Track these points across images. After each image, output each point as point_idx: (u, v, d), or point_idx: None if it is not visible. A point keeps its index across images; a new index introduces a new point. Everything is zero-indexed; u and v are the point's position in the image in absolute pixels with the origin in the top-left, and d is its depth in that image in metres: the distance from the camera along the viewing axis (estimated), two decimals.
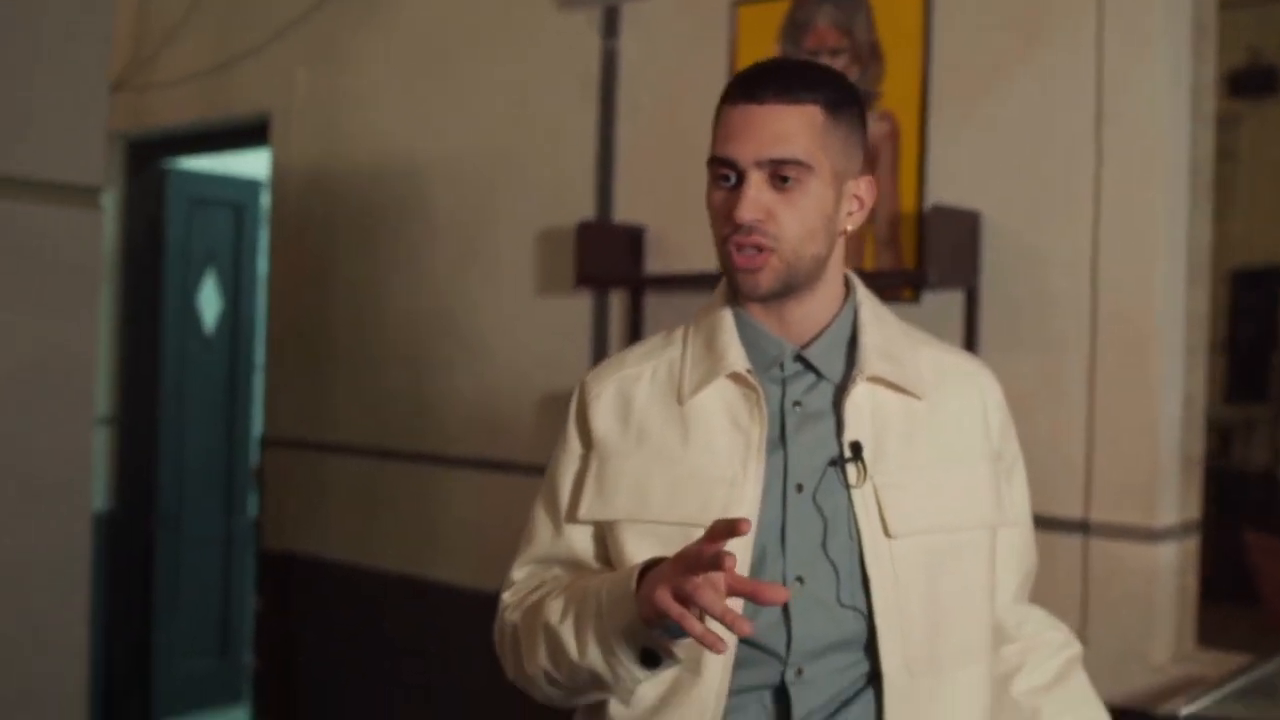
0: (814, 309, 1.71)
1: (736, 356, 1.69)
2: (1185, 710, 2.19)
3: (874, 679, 1.66)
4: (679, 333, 1.80)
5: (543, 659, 1.68)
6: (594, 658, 1.58)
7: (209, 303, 5.61)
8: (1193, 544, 2.97)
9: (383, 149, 4.29)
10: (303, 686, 4.52)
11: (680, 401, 1.72)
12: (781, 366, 1.71)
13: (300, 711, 4.53)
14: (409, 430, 4.20)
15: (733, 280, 1.67)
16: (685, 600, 1.41)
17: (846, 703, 1.66)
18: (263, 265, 5.36)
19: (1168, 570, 2.87)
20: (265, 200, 5.44)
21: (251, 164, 5.47)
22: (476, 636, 3.91)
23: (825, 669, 1.65)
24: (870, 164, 3.16)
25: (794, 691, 1.64)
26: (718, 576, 1.42)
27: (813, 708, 1.65)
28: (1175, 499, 2.90)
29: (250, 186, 5.74)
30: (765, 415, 1.67)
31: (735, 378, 1.69)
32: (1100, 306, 2.87)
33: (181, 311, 5.51)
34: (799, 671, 1.64)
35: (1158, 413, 2.84)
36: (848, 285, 1.77)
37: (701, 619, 1.42)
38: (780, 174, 1.61)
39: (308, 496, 4.51)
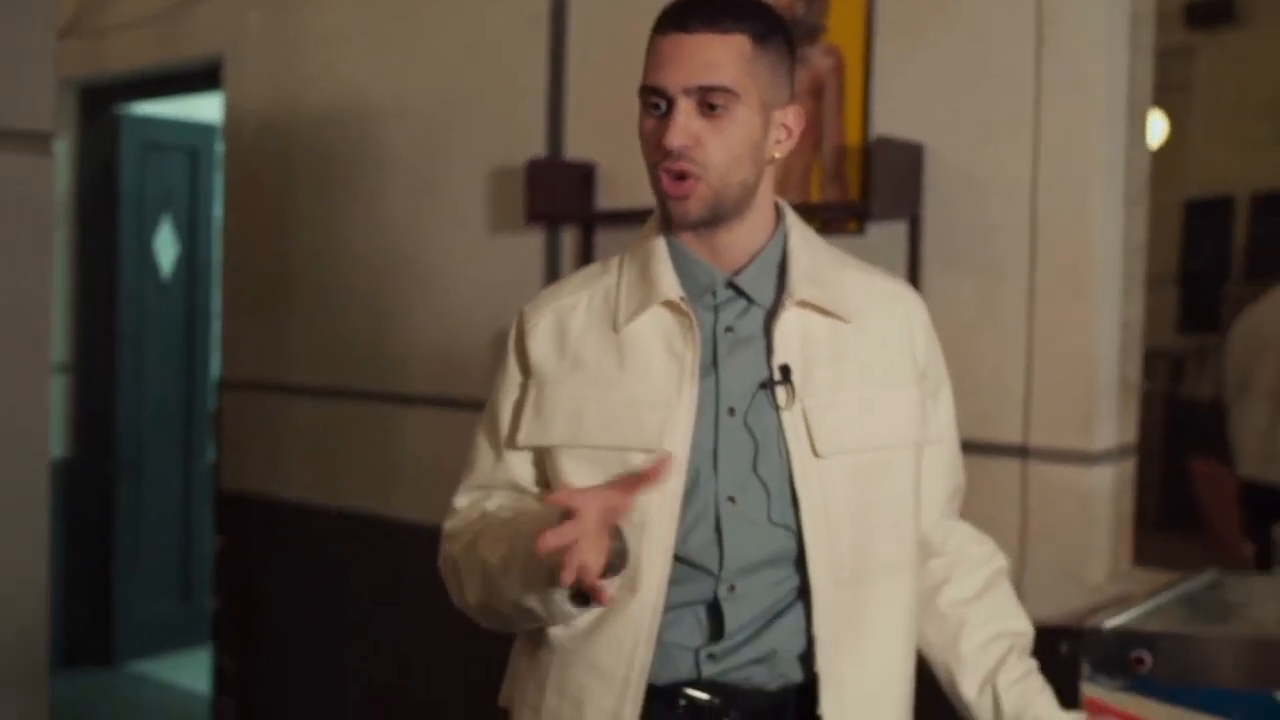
0: (744, 236, 1.76)
1: (670, 284, 1.74)
2: (1108, 624, 2.25)
3: (803, 592, 1.72)
4: (614, 261, 1.85)
5: (482, 594, 1.74)
6: (530, 598, 1.64)
7: (165, 248, 5.62)
8: (1129, 467, 3.04)
9: (336, 91, 4.30)
10: (264, 626, 4.57)
11: (616, 329, 1.77)
12: (714, 293, 1.76)
13: (262, 651, 4.58)
14: (366, 370, 4.23)
15: (663, 207, 1.72)
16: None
17: (777, 615, 1.73)
18: (219, 210, 5.37)
19: (1104, 493, 2.94)
20: (220, 145, 5.45)
21: (206, 108, 5.46)
22: (436, 571, 3.98)
23: (757, 584, 1.71)
24: (814, 95, 3.20)
25: (726, 606, 1.71)
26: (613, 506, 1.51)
27: (744, 621, 1.72)
28: (1112, 423, 2.96)
29: (205, 131, 5.75)
30: (698, 341, 1.72)
31: (669, 305, 1.74)
32: (1039, 235, 2.93)
33: (138, 257, 5.53)
34: (731, 587, 1.71)
35: (1095, 339, 2.90)
36: (778, 212, 1.82)
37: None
38: (708, 101, 1.65)
39: (266, 438, 4.54)
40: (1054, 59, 2.91)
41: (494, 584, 1.70)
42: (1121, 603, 2.46)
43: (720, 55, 1.65)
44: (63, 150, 5.22)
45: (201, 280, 5.79)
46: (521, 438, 1.80)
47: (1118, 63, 2.94)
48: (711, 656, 1.72)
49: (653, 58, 1.69)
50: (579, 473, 1.73)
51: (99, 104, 5.37)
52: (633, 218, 3.47)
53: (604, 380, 1.75)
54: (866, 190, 3.09)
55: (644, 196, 3.45)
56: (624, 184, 3.60)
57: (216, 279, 5.53)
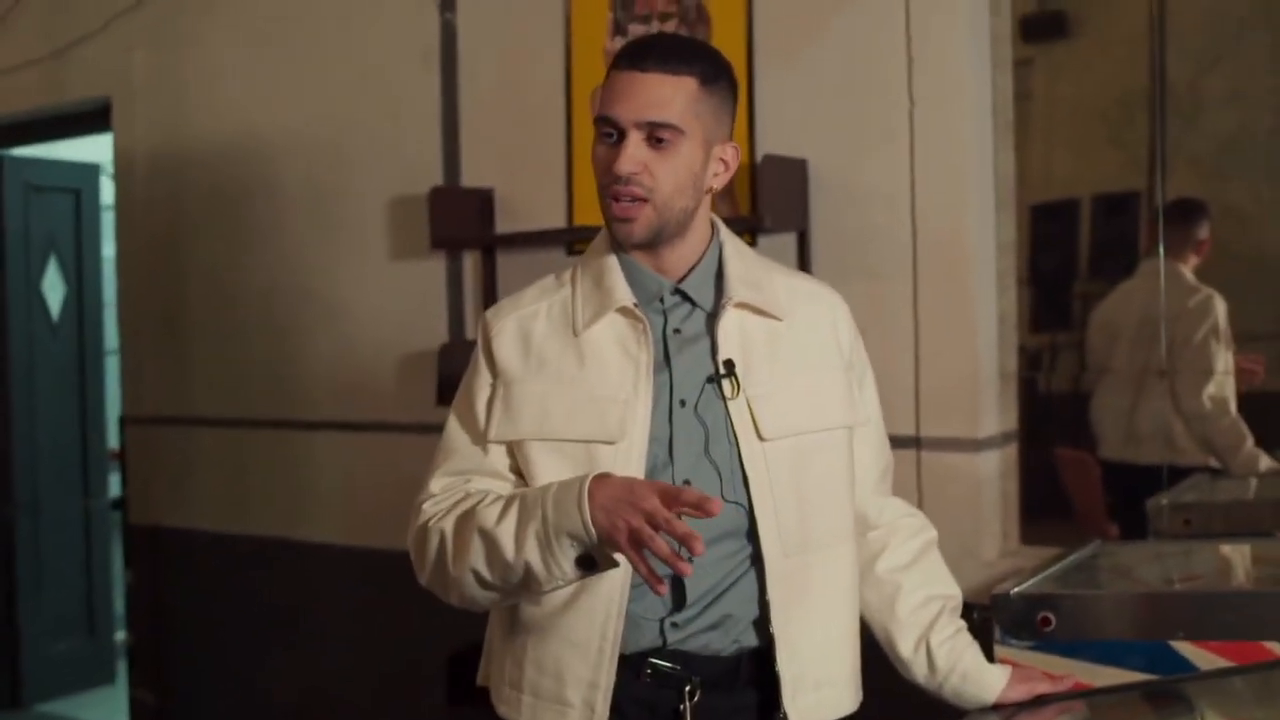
0: (685, 252, 1.97)
1: (624, 293, 1.93)
2: (1014, 590, 2.47)
3: (756, 561, 1.92)
4: (567, 275, 2.04)
5: (475, 560, 1.85)
6: (531, 555, 1.77)
7: (53, 289, 5.62)
8: (1012, 451, 3.27)
9: (228, 127, 4.38)
10: (178, 658, 4.62)
11: (575, 333, 1.95)
12: (662, 299, 1.96)
13: (179, 682, 4.62)
14: (272, 398, 4.32)
15: (610, 227, 1.92)
16: (639, 545, 1.66)
17: (732, 584, 1.92)
18: (108, 248, 5.38)
19: (991, 476, 3.17)
20: (105, 184, 5.46)
21: (87, 148, 5.47)
22: (350, 592, 4.10)
23: (713, 556, 1.89)
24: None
25: (687, 579, 1.88)
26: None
27: (703, 590, 1.91)
28: (994, 411, 3.19)
29: (88, 170, 5.75)
30: (651, 342, 1.92)
31: (623, 311, 1.93)
32: (920, 238, 3.14)
33: (25, 299, 5.52)
34: (690, 560, 1.88)
35: (976, 333, 3.12)
36: (713, 227, 2.02)
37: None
38: (656, 135, 1.85)
39: (173, 471, 4.59)
40: (924, 75, 3.13)
41: (493, 545, 1.82)
42: (1017, 575, 2.67)
43: (670, 95, 1.85)
44: None
45: (91, 320, 5.80)
46: (492, 433, 1.96)
47: (981, 77, 3.18)
48: (675, 625, 1.91)
49: (609, 91, 1.88)
50: (549, 462, 1.91)
51: None
52: (532, 240, 3.62)
53: (567, 378, 1.94)
54: (756, 205, 3.28)
55: (541, 219, 3.64)
56: (521, 208, 3.75)
57: (109, 317, 5.54)
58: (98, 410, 5.84)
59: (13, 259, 5.42)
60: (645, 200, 1.86)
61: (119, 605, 5.63)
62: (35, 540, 5.58)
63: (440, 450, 2.04)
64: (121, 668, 5.39)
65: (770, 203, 3.19)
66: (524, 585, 1.83)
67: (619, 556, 1.74)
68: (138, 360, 4.71)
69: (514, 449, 1.97)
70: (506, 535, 1.81)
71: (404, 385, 3.96)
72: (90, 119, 4.82)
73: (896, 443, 3.11)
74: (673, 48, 1.89)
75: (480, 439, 1.99)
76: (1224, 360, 3.59)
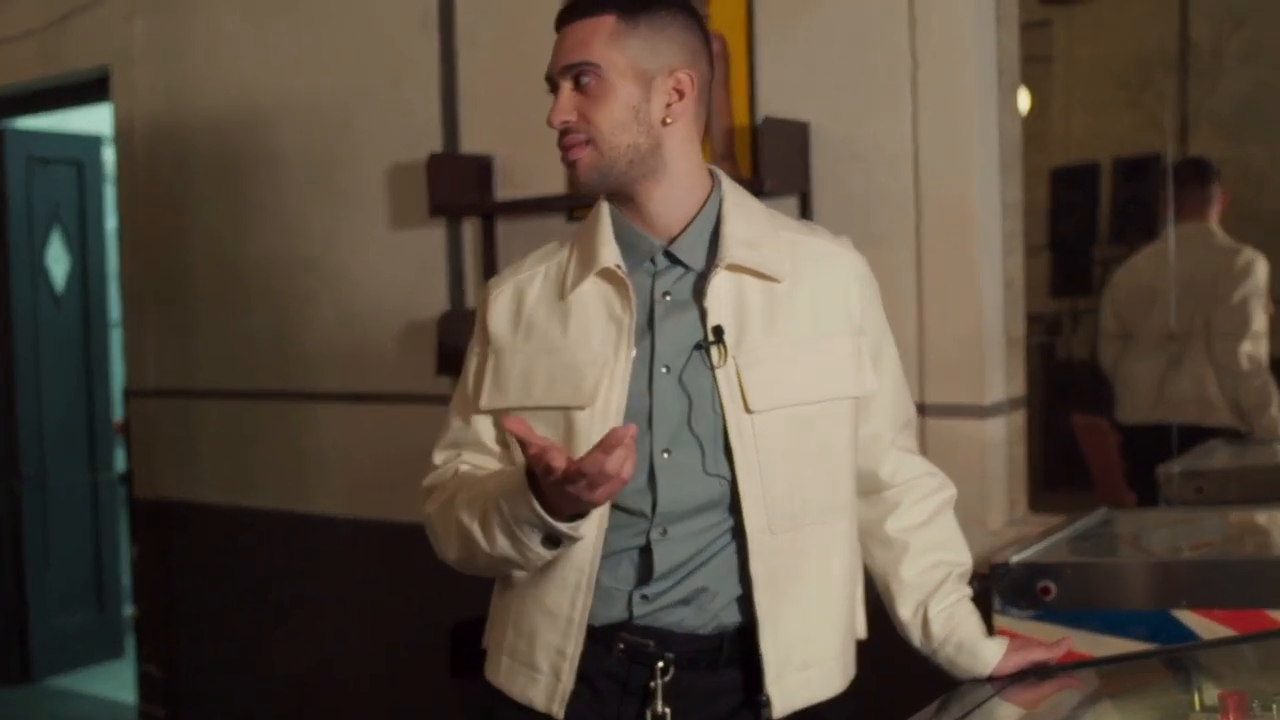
0: (673, 204, 1.89)
1: (609, 254, 1.87)
2: (1015, 558, 2.41)
3: (738, 535, 1.86)
4: (570, 237, 1.99)
5: (461, 551, 1.90)
6: (504, 548, 1.78)
7: (57, 261, 5.60)
8: (1019, 417, 3.21)
9: (227, 95, 4.34)
10: (186, 630, 4.61)
11: (562, 297, 1.91)
12: (652, 260, 1.90)
13: (186, 655, 4.61)
14: (275, 369, 4.29)
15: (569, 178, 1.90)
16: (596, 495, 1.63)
17: (709, 558, 1.87)
18: (110, 220, 5.36)
19: (998, 442, 3.11)
20: (108, 155, 5.43)
21: (90, 119, 5.45)
22: (354, 563, 4.07)
23: (689, 529, 1.85)
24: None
25: (656, 549, 1.85)
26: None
27: (675, 563, 1.86)
28: (1001, 377, 3.13)
29: (91, 142, 5.73)
30: (634, 305, 1.85)
31: (606, 273, 1.87)
32: (923, 200, 3.08)
33: (29, 272, 5.51)
34: (664, 530, 1.85)
35: (981, 297, 3.06)
36: (714, 181, 1.94)
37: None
38: (577, 77, 1.83)
39: (178, 444, 4.57)
40: (927, 34, 3.06)
41: (471, 542, 1.83)
42: (1022, 543, 2.62)
43: (585, 36, 1.83)
44: None
45: (96, 291, 5.78)
46: (482, 402, 1.95)
47: (986, 35, 3.10)
48: (644, 598, 1.86)
49: (552, 54, 1.88)
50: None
51: None
52: (531, 207, 3.57)
53: (550, 345, 1.90)
54: (757, 168, 3.22)
55: (540, 185, 3.58)
56: (521, 174, 3.70)
57: (112, 289, 5.52)
58: (103, 383, 5.83)
59: (15, 231, 5.41)
60: (585, 142, 1.83)
61: (126, 579, 5.62)
62: (43, 514, 5.58)
63: (443, 421, 2.06)
64: (130, 641, 5.39)
65: (771, 165, 3.13)
66: (507, 565, 1.85)
67: (585, 526, 1.74)
68: (140, 332, 4.68)
69: (500, 418, 1.93)
70: (478, 530, 1.82)
71: (405, 354, 3.93)
72: (90, 89, 4.79)
73: None
74: None
75: (467, 409, 1.99)
76: (1261, 320, 3.56)
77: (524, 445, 1.64)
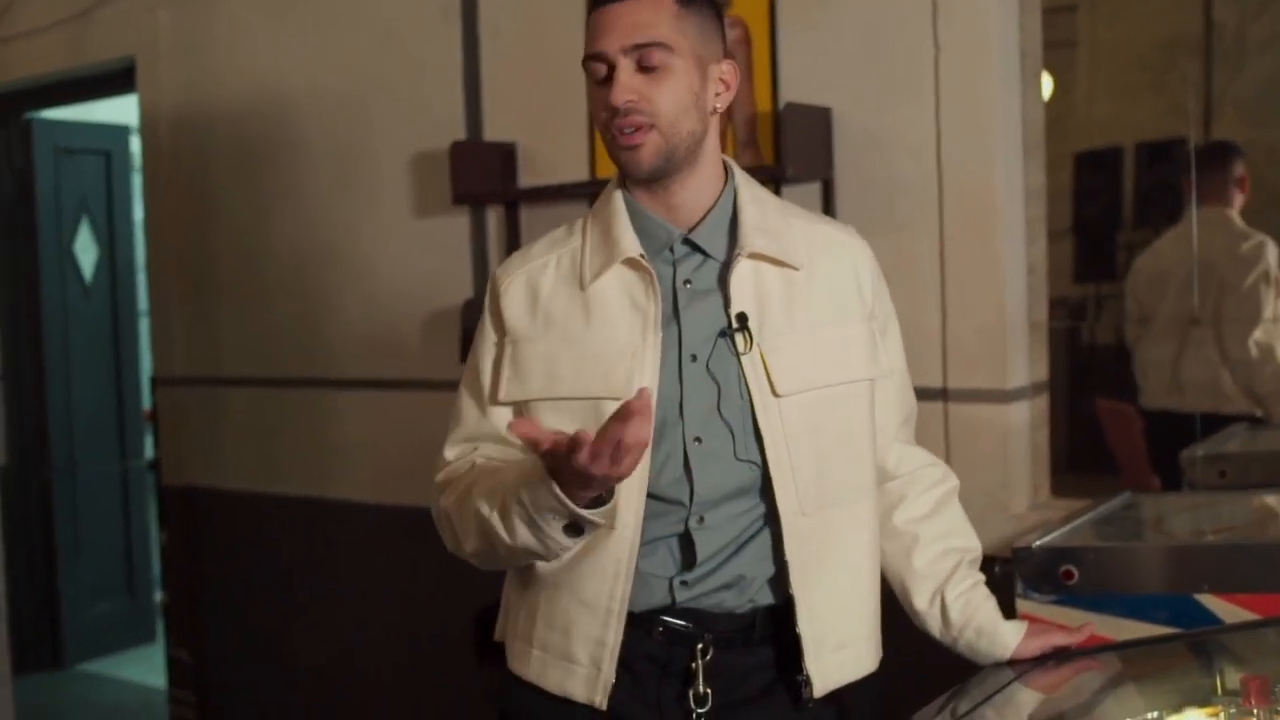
0: (697, 192, 1.90)
1: (630, 243, 1.87)
2: (1038, 543, 2.42)
3: (771, 519, 1.87)
4: (578, 225, 1.98)
5: (480, 543, 1.86)
6: (525, 538, 1.76)
7: (85, 251, 5.64)
8: (1042, 402, 3.21)
9: (252, 85, 4.36)
10: (215, 616, 4.64)
11: (582, 287, 1.90)
12: (671, 249, 1.90)
13: (215, 640, 4.65)
14: (299, 357, 4.31)
15: (619, 162, 1.86)
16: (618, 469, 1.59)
17: (745, 543, 1.88)
18: (138, 210, 5.39)
19: (1021, 427, 3.11)
20: (136, 145, 5.46)
21: (117, 110, 5.48)
22: (379, 549, 4.09)
23: (725, 515, 1.86)
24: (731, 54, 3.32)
25: (697, 536, 1.86)
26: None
27: (714, 549, 1.87)
28: (1024, 362, 3.13)
29: (119, 132, 5.76)
30: (659, 294, 1.86)
31: (630, 262, 1.87)
32: (946, 187, 3.07)
33: (58, 262, 5.55)
34: (701, 519, 1.86)
35: (1004, 282, 3.06)
36: (727, 171, 1.95)
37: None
38: (646, 59, 1.79)
39: (205, 431, 4.61)
40: (949, 20, 3.06)
41: (491, 533, 1.81)
42: (1045, 528, 2.62)
43: (650, 15, 1.80)
44: None
45: (124, 281, 5.82)
46: (502, 394, 1.93)
47: (1009, 20, 3.10)
48: (684, 584, 1.87)
49: (591, 31, 1.84)
50: (557, 422, 1.85)
51: (8, 111, 5.37)
52: (554, 194, 3.58)
53: (573, 335, 1.89)
54: (779, 155, 3.23)
55: (564, 172, 3.60)
56: (544, 161, 3.71)
57: (141, 279, 5.55)
58: (132, 371, 5.87)
59: (44, 221, 5.45)
60: (650, 125, 1.80)
61: (157, 565, 5.67)
62: (74, 502, 5.62)
63: (452, 415, 2.02)
64: (160, 627, 5.43)
65: (793, 152, 3.13)
66: (529, 557, 1.83)
67: (609, 513, 1.72)
68: (167, 321, 4.71)
69: (523, 410, 1.92)
70: (498, 521, 1.78)
71: (429, 342, 3.94)
72: (115, 80, 4.82)
73: (923, 395, 3.07)
74: None
75: (484, 403, 1.96)
76: (1273, 306, 3.53)
77: (534, 445, 1.63)
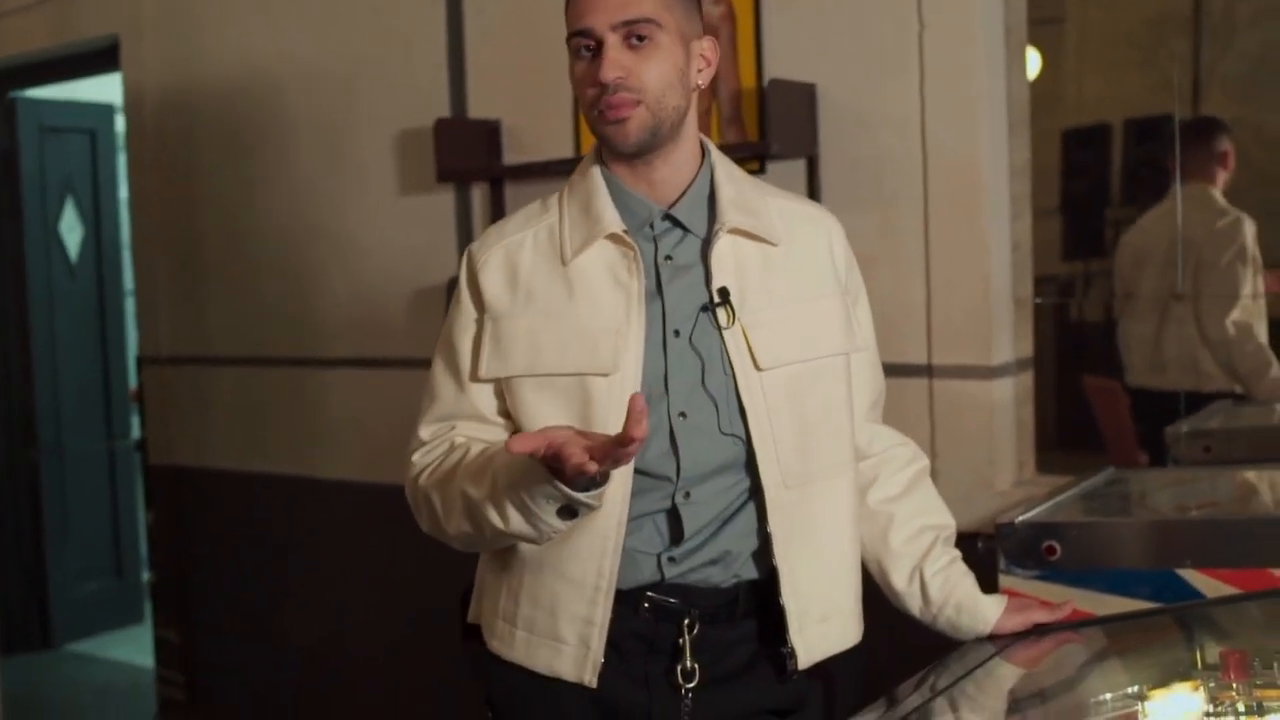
0: (677, 168, 1.90)
1: (612, 219, 1.87)
2: (1020, 518, 2.42)
3: (755, 493, 1.88)
4: (554, 200, 1.97)
5: (465, 525, 1.85)
6: (517, 523, 1.75)
7: (71, 231, 5.63)
8: (1027, 378, 3.21)
9: (236, 63, 4.34)
10: (202, 595, 4.64)
11: (564, 263, 1.89)
12: (652, 225, 1.90)
13: (202, 620, 4.65)
14: (286, 336, 4.30)
15: (604, 137, 1.85)
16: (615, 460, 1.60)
17: (731, 517, 1.89)
18: (123, 189, 5.38)
19: (1006, 403, 3.12)
20: (120, 124, 5.44)
21: (103, 88, 5.45)
22: (366, 528, 4.09)
23: (711, 490, 1.87)
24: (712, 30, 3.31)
25: (684, 511, 1.86)
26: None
27: (701, 524, 1.87)
28: (1008, 338, 3.13)
29: (103, 111, 5.74)
30: (642, 269, 1.85)
31: (613, 238, 1.87)
32: (930, 163, 3.07)
33: (44, 243, 5.53)
34: (687, 494, 1.86)
35: (988, 259, 3.05)
36: (703, 148, 1.95)
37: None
38: (634, 34, 1.79)
39: (191, 410, 4.60)
40: None
41: (479, 516, 1.80)
42: (1029, 504, 2.62)
43: None
44: None
45: (110, 260, 5.81)
46: (483, 371, 1.91)
47: None
48: (672, 559, 1.87)
49: (575, 7, 1.83)
50: (541, 398, 1.86)
51: None
52: (538, 171, 3.58)
53: (556, 311, 1.88)
54: (764, 131, 3.22)
55: (548, 149, 3.59)
56: (528, 138, 3.70)
57: (127, 258, 5.54)
58: (119, 351, 5.86)
59: (29, 201, 5.43)
60: (637, 101, 1.80)
61: (144, 545, 5.67)
62: (61, 483, 5.62)
63: (426, 394, 2.00)
64: (148, 608, 5.43)
65: (778, 128, 3.12)
66: (522, 539, 1.81)
67: (603, 494, 1.71)
68: (153, 300, 4.71)
69: (504, 388, 1.91)
70: (489, 506, 1.78)
71: (415, 320, 3.94)
72: (99, 58, 4.80)
73: (908, 371, 3.10)
74: None
75: (463, 380, 1.94)
76: (1251, 284, 3.53)
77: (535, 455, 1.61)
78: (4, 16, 4.92)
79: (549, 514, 1.72)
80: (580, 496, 1.67)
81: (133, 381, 5.70)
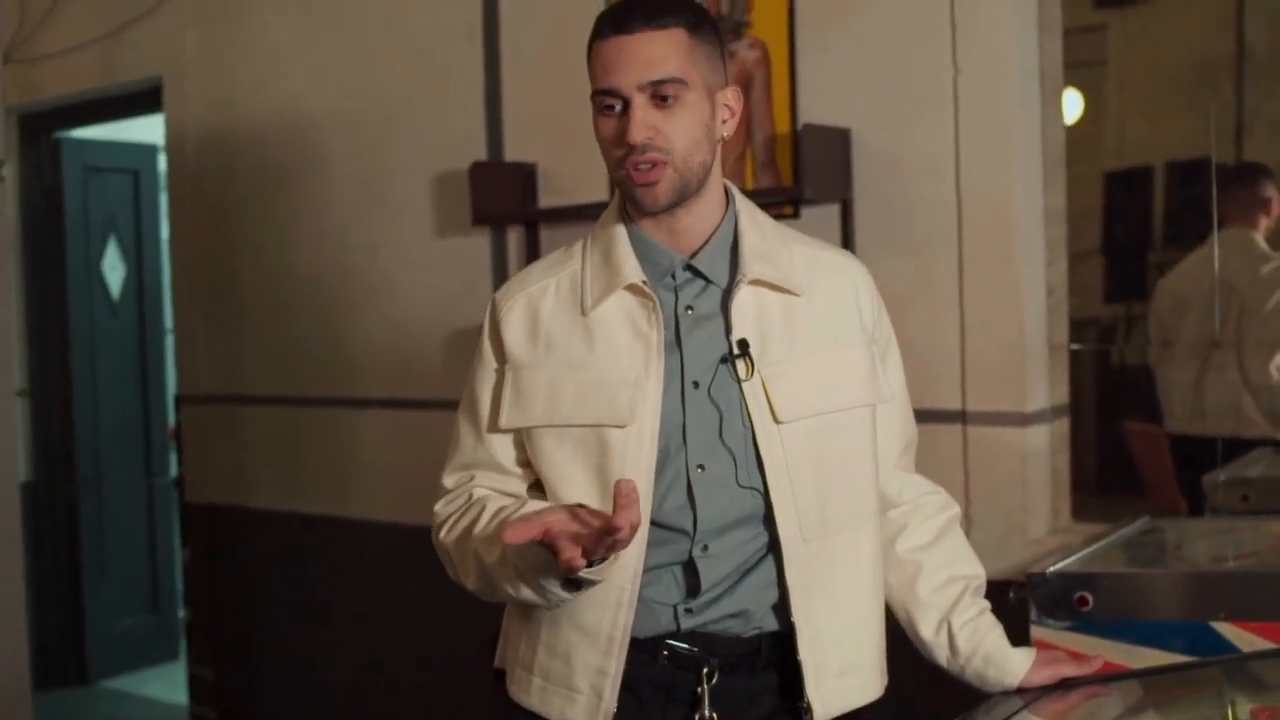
0: (700, 218, 1.88)
1: (632, 269, 1.86)
2: (1052, 568, 2.39)
3: (773, 547, 1.86)
4: (577, 247, 1.96)
5: (480, 584, 1.88)
6: (525, 591, 1.78)
7: (113, 269, 5.67)
8: (1063, 425, 3.18)
9: (276, 105, 4.38)
10: (236, 634, 4.65)
11: (584, 312, 1.88)
12: (673, 275, 1.88)
13: (236, 658, 4.66)
14: (321, 377, 4.32)
15: (633, 197, 1.84)
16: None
17: (749, 571, 1.87)
18: (165, 228, 5.43)
19: (1040, 450, 3.09)
20: (162, 164, 5.50)
21: (145, 129, 5.51)
22: (399, 568, 4.09)
23: (728, 544, 1.85)
24: (742, 87, 3.32)
25: (700, 564, 1.85)
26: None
27: (718, 578, 1.86)
28: (1044, 385, 3.11)
29: (146, 151, 5.79)
30: (661, 320, 1.84)
31: (632, 289, 1.86)
32: (965, 208, 3.06)
33: (86, 280, 5.58)
34: (705, 547, 1.85)
35: (1023, 305, 3.04)
36: (727, 195, 1.94)
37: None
38: (661, 94, 1.78)
39: (227, 449, 4.62)
40: (968, 41, 3.05)
41: (491, 579, 1.83)
42: (1063, 552, 2.59)
43: (663, 50, 1.78)
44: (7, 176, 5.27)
45: (151, 299, 5.85)
46: (504, 421, 1.91)
47: (1028, 42, 3.08)
48: (689, 611, 1.86)
49: (599, 62, 1.81)
50: (560, 449, 1.86)
51: (38, 130, 5.41)
52: (574, 214, 3.58)
53: (575, 361, 1.87)
54: (798, 176, 3.22)
55: (583, 193, 3.59)
56: (564, 182, 3.71)
57: (168, 296, 5.58)
58: (159, 389, 5.89)
59: (73, 239, 5.48)
60: (665, 163, 1.78)
61: (181, 582, 5.68)
62: (99, 519, 5.64)
63: (451, 441, 2.01)
64: (184, 644, 5.44)
65: (812, 173, 3.12)
66: (534, 604, 1.84)
67: (606, 569, 1.72)
68: (192, 339, 4.74)
69: (525, 437, 1.91)
70: (499, 574, 1.80)
71: (449, 362, 3.95)
72: (143, 99, 4.86)
73: (942, 417, 3.08)
74: (653, 3, 1.81)
75: (481, 430, 1.95)
76: None
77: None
78: (51, 58, 4.99)
79: (554, 588, 1.74)
80: (583, 574, 1.67)
81: (172, 419, 5.73)
